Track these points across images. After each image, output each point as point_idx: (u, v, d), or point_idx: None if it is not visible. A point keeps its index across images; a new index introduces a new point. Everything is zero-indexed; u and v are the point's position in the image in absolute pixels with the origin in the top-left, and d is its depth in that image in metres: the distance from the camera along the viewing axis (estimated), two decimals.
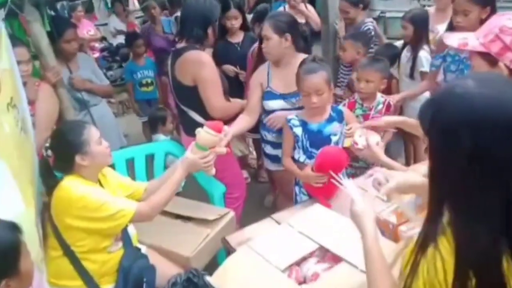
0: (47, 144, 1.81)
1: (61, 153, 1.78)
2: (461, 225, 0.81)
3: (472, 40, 1.37)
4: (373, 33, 3.34)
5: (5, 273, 1.01)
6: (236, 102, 2.54)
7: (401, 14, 3.29)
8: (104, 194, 1.77)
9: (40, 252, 1.66)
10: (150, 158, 2.66)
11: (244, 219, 2.57)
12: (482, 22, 2.19)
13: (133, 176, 2.60)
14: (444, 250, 0.82)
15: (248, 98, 2.43)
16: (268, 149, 2.51)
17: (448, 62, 2.59)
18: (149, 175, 2.62)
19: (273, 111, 2.37)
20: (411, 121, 2.04)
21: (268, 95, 2.36)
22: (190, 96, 2.38)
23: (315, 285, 1.45)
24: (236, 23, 3.25)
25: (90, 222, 1.71)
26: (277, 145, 2.39)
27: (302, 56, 2.31)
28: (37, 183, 1.89)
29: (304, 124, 2.10)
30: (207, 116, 2.38)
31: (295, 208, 2.07)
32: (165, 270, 1.98)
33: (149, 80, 4.11)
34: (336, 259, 1.55)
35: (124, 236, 1.90)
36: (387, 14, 6.36)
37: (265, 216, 2.01)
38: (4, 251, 1.01)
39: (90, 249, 1.78)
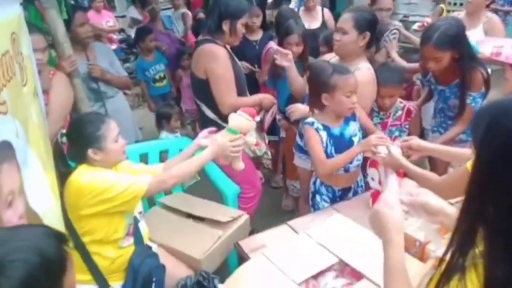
0: (63, 131, 1.75)
1: (75, 143, 1.73)
2: (495, 260, 0.68)
3: (507, 50, 1.25)
4: (397, 36, 3.23)
5: None
6: (255, 97, 2.44)
7: (423, 19, 3.14)
8: (113, 175, 1.70)
9: None
10: (163, 155, 2.59)
11: (257, 222, 2.49)
12: (456, 60, 2.20)
13: None
14: (471, 285, 0.70)
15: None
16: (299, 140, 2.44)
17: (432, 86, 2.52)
18: None
19: None
20: (446, 150, 1.86)
21: None
22: (202, 90, 2.33)
23: None
24: (257, 21, 3.18)
25: (101, 205, 1.64)
26: None
27: (366, 63, 2.19)
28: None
29: (327, 129, 1.97)
30: (218, 112, 2.33)
31: (313, 215, 1.98)
32: (175, 270, 1.92)
33: (161, 75, 4.01)
34: (355, 274, 1.46)
35: (136, 233, 1.84)
36: (410, 18, 6.24)
37: (280, 220, 1.93)
38: (49, 267, 0.87)
39: (102, 240, 1.71)
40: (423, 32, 2.34)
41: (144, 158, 2.53)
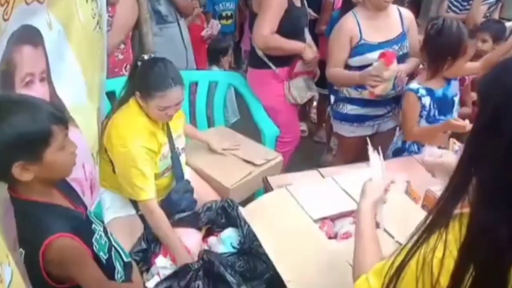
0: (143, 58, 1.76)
1: (136, 79, 1.70)
2: (481, 209, 0.69)
3: None
4: None
5: (22, 155, 0.95)
6: (297, 44, 2.33)
7: None
8: (139, 159, 1.68)
9: (96, 146, 1.73)
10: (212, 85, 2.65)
11: (292, 171, 2.51)
12: None
13: (193, 99, 2.63)
14: (452, 234, 0.71)
15: (336, 53, 2.19)
16: (349, 109, 2.29)
17: None
18: (209, 102, 2.62)
19: (369, 65, 2.13)
20: None
21: (363, 48, 2.14)
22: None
23: (344, 242, 1.40)
24: None
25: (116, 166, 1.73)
26: (366, 103, 2.23)
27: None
28: (102, 87, 1.91)
29: (430, 92, 1.96)
30: None
31: (346, 167, 1.98)
32: (204, 194, 2.03)
33: (229, 13, 4.01)
34: None
35: (176, 167, 1.91)
36: None
37: None
38: (28, 133, 0.95)
39: None
40: None
41: (193, 86, 2.61)
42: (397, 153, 2.14)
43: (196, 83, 2.60)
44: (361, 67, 2.15)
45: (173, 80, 1.64)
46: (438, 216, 0.74)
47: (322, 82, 2.87)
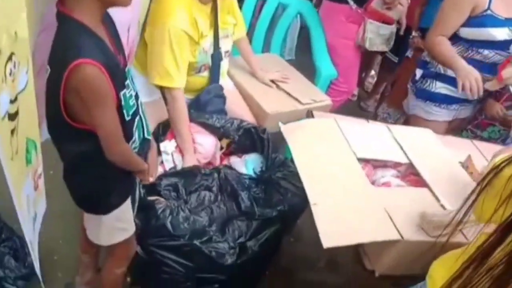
0: None
1: None
2: None
3: None
4: None
5: None
6: None
7: None
8: (175, 40, 1.56)
9: (143, 16, 1.59)
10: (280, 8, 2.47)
11: None
12: None
13: (255, 19, 2.46)
14: None
15: (450, 17, 1.77)
16: (439, 87, 1.88)
17: None
18: (271, 25, 2.44)
19: (484, 41, 1.74)
20: None
21: (487, 20, 1.69)
22: None
23: (384, 188, 1.25)
24: None
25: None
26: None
27: None
28: None
29: None
30: None
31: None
32: (239, 112, 1.89)
33: None
34: (418, 184, 1.31)
35: (214, 69, 1.78)
36: None
37: None
38: None
39: None
40: None
41: (260, 4, 2.43)
42: None
43: (264, 1, 2.42)
44: (472, 42, 1.75)
45: None
46: None
47: (395, 46, 2.58)
